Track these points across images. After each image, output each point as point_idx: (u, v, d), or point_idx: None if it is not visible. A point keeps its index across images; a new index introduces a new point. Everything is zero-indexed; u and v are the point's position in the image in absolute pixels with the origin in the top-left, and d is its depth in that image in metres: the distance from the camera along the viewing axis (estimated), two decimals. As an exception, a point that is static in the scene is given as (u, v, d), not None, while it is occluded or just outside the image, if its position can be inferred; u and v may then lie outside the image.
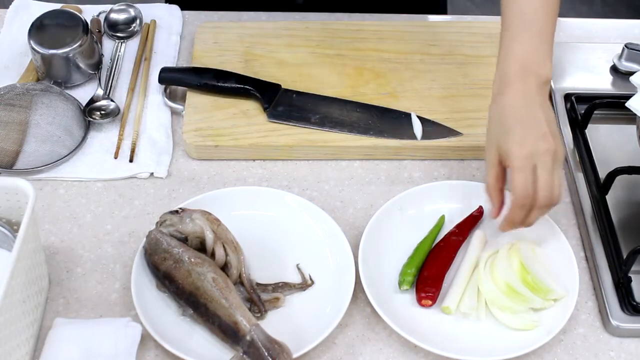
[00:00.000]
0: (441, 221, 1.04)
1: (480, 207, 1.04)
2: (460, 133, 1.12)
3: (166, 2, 1.36)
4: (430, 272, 0.98)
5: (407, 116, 1.13)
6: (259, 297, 0.95)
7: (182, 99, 1.17)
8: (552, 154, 0.91)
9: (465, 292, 0.96)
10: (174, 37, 1.28)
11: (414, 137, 1.11)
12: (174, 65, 1.23)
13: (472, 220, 1.03)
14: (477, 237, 1.01)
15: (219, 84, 1.14)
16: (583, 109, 1.16)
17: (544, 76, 0.95)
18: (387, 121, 1.13)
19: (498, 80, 0.96)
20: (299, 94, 1.16)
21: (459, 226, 1.03)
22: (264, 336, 0.88)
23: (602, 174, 1.08)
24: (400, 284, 0.97)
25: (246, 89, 1.14)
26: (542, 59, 0.96)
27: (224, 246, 0.95)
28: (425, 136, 1.12)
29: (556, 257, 0.99)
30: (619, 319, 0.95)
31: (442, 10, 1.46)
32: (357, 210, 1.07)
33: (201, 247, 0.96)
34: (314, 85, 1.18)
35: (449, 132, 1.12)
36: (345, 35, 1.25)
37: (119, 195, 1.08)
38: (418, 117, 1.12)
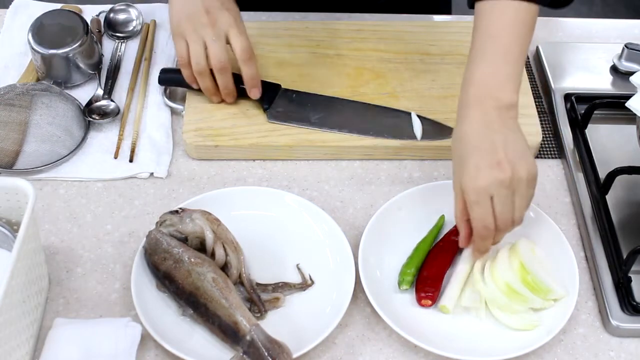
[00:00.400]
0: (441, 221, 1.04)
1: None
2: None
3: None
4: (429, 272, 0.98)
5: (407, 115, 1.13)
6: (259, 297, 0.95)
7: (182, 99, 1.17)
8: (507, 184, 0.88)
9: (465, 290, 0.96)
10: (174, 37, 1.28)
11: (414, 137, 1.11)
12: (174, 66, 1.23)
13: None
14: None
15: (218, 84, 1.14)
16: (583, 109, 1.16)
17: (505, 100, 0.91)
18: (387, 121, 1.13)
19: (459, 106, 0.94)
20: (299, 93, 1.16)
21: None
22: (264, 336, 0.88)
23: (602, 174, 1.08)
24: (399, 283, 0.97)
25: (245, 89, 1.14)
26: (503, 82, 0.91)
27: (224, 246, 0.95)
28: (425, 136, 1.12)
29: (556, 257, 0.99)
30: (619, 319, 0.95)
31: (446, 10, 1.46)
32: (357, 210, 1.07)
33: (201, 247, 0.96)
34: (314, 85, 1.18)
35: (449, 132, 1.12)
36: (345, 35, 1.25)
37: (119, 195, 1.08)
38: (418, 116, 1.12)
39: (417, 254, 1.00)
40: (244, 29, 1.09)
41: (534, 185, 0.92)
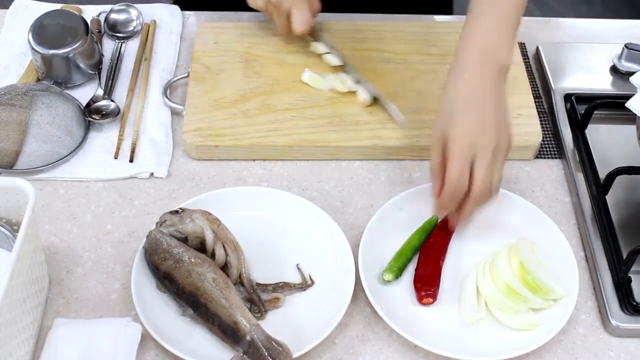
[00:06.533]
0: (432, 220, 1.03)
1: None
2: None
3: (174, 2, 1.36)
4: (425, 270, 0.98)
5: None
6: (259, 297, 0.95)
7: (182, 99, 1.17)
8: (492, 148, 0.91)
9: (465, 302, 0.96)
10: (174, 37, 1.28)
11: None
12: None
13: None
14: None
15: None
16: (583, 109, 1.16)
17: (503, 61, 0.94)
18: None
19: (455, 63, 0.96)
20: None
21: (445, 221, 1.03)
22: (264, 336, 0.88)
23: (602, 174, 1.08)
24: (383, 272, 0.97)
25: None
26: (501, 44, 0.95)
27: (224, 246, 0.95)
28: None
29: (556, 257, 0.99)
30: (619, 319, 0.95)
31: (448, 11, 1.46)
32: (357, 210, 1.07)
33: (201, 247, 0.96)
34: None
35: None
36: (345, 35, 1.25)
37: (119, 195, 1.08)
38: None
39: (406, 249, 1.00)
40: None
41: (507, 156, 0.96)
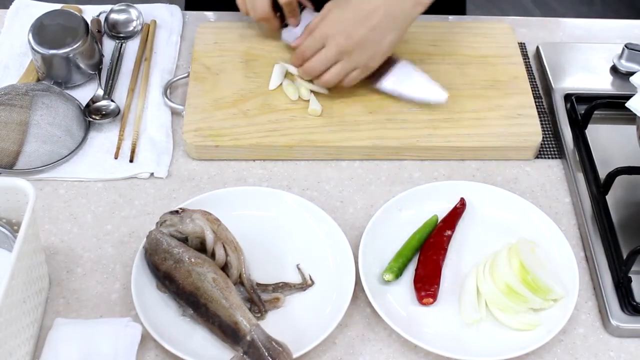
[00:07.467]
0: (433, 220, 1.03)
1: (462, 199, 1.05)
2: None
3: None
4: (425, 270, 0.98)
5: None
6: (259, 297, 0.95)
7: (182, 99, 1.17)
8: (340, 48, 1.06)
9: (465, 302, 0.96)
10: (174, 37, 1.28)
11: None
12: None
13: (457, 213, 1.04)
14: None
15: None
16: (583, 109, 1.16)
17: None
18: None
19: None
20: None
21: (444, 221, 1.03)
22: (264, 336, 0.88)
23: (602, 174, 1.08)
24: (383, 272, 0.97)
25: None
26: None
27: (224, 246, 0.95)
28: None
29: (556, 257, 0.99)
30: (619, 319, 0.95)
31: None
32: (357, 210, 1.07)
33: (201, 247, 0.96)
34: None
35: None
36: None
37: (119, 195, 1.08)
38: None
39: (406, 249, 1.00)
40: None
41: (366, 73, 1.12)
